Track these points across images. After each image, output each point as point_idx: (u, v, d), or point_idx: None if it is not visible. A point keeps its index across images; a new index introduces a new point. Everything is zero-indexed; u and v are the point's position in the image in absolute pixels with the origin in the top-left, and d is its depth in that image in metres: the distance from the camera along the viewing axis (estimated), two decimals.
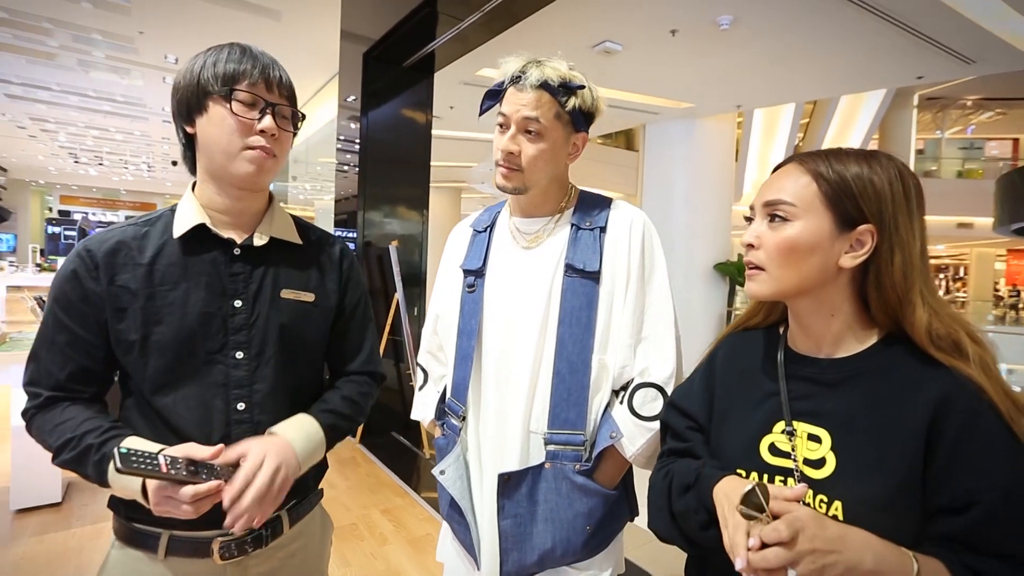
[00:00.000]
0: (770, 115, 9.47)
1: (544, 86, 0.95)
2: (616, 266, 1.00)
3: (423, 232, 4.15)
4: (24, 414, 0.84)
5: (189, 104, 0.83)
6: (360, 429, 3.83)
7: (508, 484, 0.96)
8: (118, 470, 0.66)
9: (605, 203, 1.05)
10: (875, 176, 0.67)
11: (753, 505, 0.59)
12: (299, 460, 0.84)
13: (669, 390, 0.96)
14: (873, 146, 12.54)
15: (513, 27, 3.52)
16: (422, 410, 1.19)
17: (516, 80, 0.96)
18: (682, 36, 4.13)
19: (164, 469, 0.69)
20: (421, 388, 1.22)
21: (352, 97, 4.04)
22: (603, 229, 1.01)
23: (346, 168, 4.27)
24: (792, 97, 5.95)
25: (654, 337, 0.99)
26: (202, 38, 4.53)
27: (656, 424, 0.94)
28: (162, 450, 0.75)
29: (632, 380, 0.98)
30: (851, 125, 11.05)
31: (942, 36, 4.00)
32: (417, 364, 1.24)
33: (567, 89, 0.96)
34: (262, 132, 0.83)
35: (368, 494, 3.05)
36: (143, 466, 0.67)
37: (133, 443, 0.76)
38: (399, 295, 3.59)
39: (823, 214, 0.67)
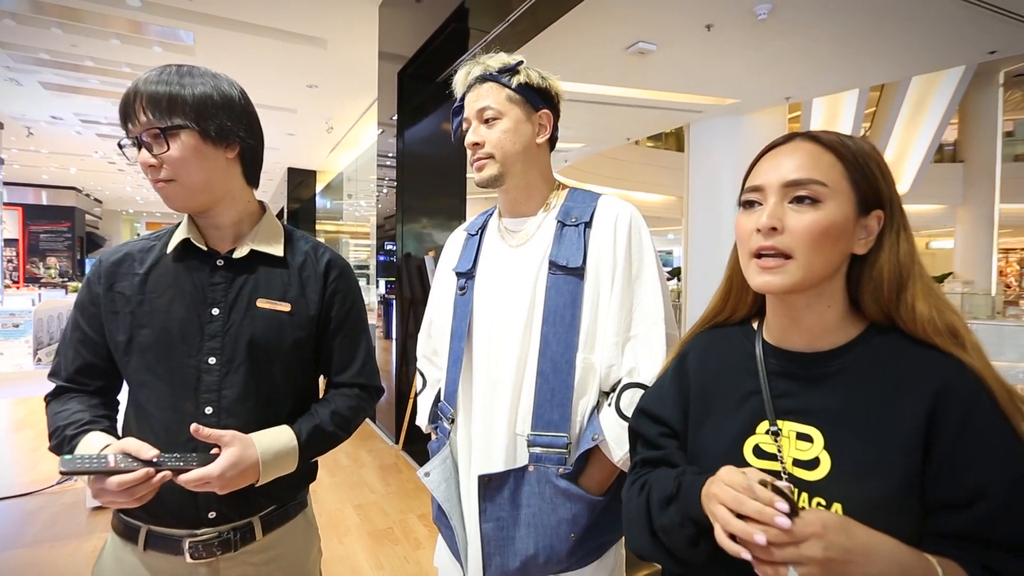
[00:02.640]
0: (831, 105, 8.94)
1: (486, 78, 1.00)
2: (601, 262, 0.97)
3: None
4: (45, 398, 0.94)
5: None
6: (403, 436, 3.93)
7: (489, 486, 0.94)
8: (61, 472, 0.71)
9: (592, 198, 1.03)
10: (877, 158, 0.64)
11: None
12: (260, 472, 0.85)
13: None
14: (952, 131, 11.54)
15: (543, 34, 3.54)
16: (421, 414, 1.19)
17: (468, 89, 1.03)
18: (718, 30, 4.00)
19: (112, 464, 0.73)
20: (420, 393, 1.22)
21: (390, 115, 4.21)
22: (588, 224, 0.99)
23: (392, 183, 4.43)
24: (846, 84, 5.59)
25: (643, 335, 0.95)
26: (258, 70, 4.88)
27: None
28: (106, 446, 0.79)
29: (620, 380, 0.95)
30: (924, 110, 10.21)
31: (1015, 4, 3.65)
32: (417, 369, 1.25)
33: (507, 71, 1.00)
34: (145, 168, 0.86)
35: (407, 499, 3.11)
36: (88, 464, 0.73)
37: (93, 440, 0.82)
38: None
39: (849, 196, 0.62)
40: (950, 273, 10.89)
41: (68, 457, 0.73)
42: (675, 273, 12.51)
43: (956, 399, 0.58)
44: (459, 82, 1.04)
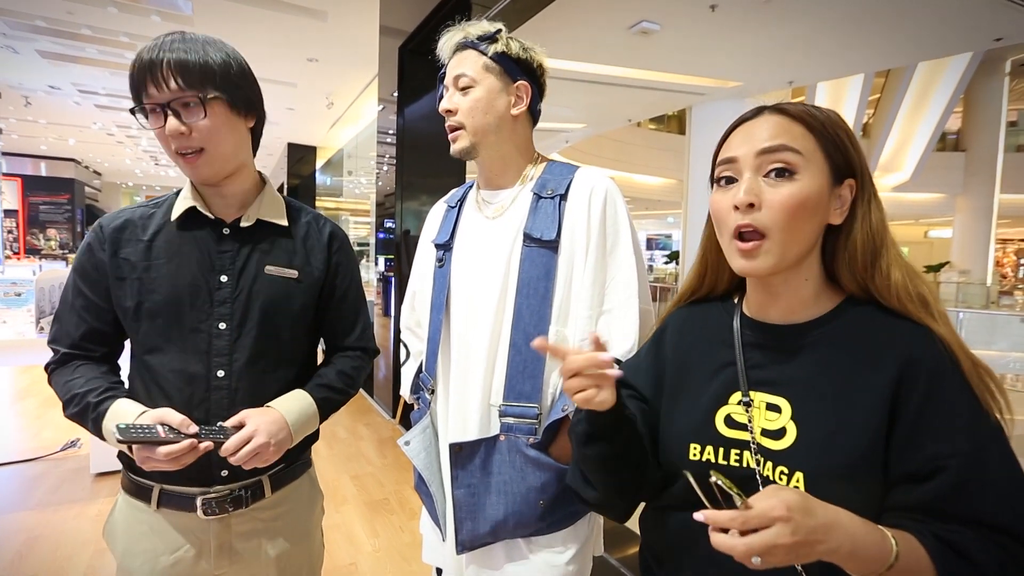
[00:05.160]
0: (835, 91, 8.88)
1: (466, 45, 0.99)
2: (575, 235, 0.96)
3: None
4: (46, 367, 0.94)
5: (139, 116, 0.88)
6: (399, 411, 3.99)
7: (460, 455, 0.96)
8: (119, 440, 0.76)
9: (570, 171, 1.02)
10: (844, 125, 0.64)
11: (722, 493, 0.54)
12: (291, 432, 0.91)
13: None
14: (956, 120, 11.46)
15: (545, 11, 3.51)
16: (404, 385, 1.21)
17: (451, 56, 1.01)
18: (722, 11, 3.96)
19: (162, 435, 0.78)
20: (404, 364, 1.24)
21: (391, 91, 4.18)
22: (563, 197, 0.97)
23: (392, 161, 4.42)
24: (850, 70, 5.56)
25: (616, 310, 0.95)
26: (257, 42, 4.82)
27: None
28: (142, 413, 0.83)
29: None
30: (928, 97, 10.15)
31: None
32: (400, 341, 1.26)
33: (486, 38, 0.98)
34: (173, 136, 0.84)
35: (402, 471, 3.18)
36: (141, 433, 0.77)
37: (122, 410, 0.85)
38: None
39: (823, 166, 0.61)
40: (947, 262, 10.94)
41: (123, 426, 0.77)
42: (674, 256, 12.52)
43: (922, 370, 0.58)
44: (442, 49, 1.03)
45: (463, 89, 0.98)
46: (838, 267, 0.65)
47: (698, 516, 0.52)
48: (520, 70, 1.00)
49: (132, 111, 0.87)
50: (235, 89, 0.88)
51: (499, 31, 0.98)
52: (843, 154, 0.62)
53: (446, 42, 1.02)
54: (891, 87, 10.05)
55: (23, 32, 4.74)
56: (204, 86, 0.84)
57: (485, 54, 0.98)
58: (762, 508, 0.50)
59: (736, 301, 0.75)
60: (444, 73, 1.04)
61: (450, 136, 1.01)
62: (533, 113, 1.04)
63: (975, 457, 0.55)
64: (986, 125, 10.91)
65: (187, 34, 0.86)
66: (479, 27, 0.99)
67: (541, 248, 0.96)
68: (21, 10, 4.25)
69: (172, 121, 0.83)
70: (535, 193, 1.00)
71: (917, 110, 10.27)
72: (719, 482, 0.53)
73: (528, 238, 0.97)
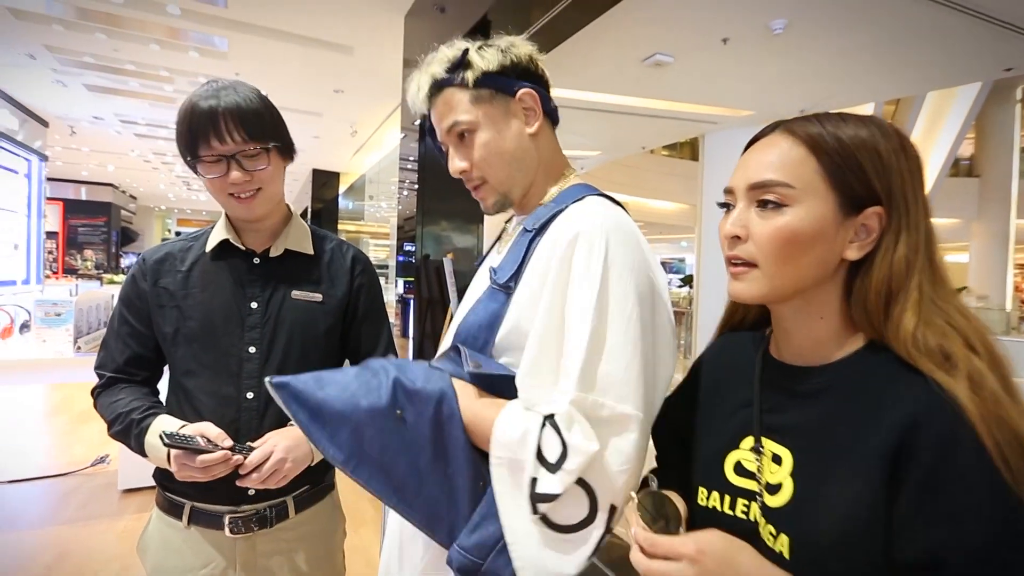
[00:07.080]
0: None
1: (440, 86, 0.79)
2: (532, 284, 0.74)
3: (478, 245, 4.35)
4: (92, 392, 1.02)
5: (188, 165, 0.96)
6: None
7: None
8: (165, 444, 0.82)
9: (571, 197, 0.79)
10: (880, 144, 0.54)
11: (652, 508, 0.55)
12: (312, 450, 0.94)
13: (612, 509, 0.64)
14: (968, 147, 11.48)
15: (562, 45, 3.66)
16: None
17: (430, 105, 0.82)
18: (734, 44, 4.09)
19: (203, 444, 0.85)
20: None
21: (413, 120, 4.34)
22: (540, 231, 0.77)
23: (413, 186, 4.57)
24: (861, 98, 5.65)
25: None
26: (287, 75, 5.05)
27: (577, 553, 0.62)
28: (183, 426, 0.90)
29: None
30: (939, 124, 10.19)
31: None
32: None
33: (456, 66, 0.77)
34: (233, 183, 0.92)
35: None
36: (184, 441, 0.84)
37: (165, 423, 0.92)
38: (452, 305, 3.77)
39: (826, 195, 0.54)
40: (964, 287, 10.82)
41: (169, 432, 0.84)
42: (687, 280, 12.55)
43: (926, 438, 0.48)
44: (414, 101, 0.82)
45: (462, 136, 0.80)
46: (853, 306, 0.56)
47: (634, 531, 0.55)
48: (514, 77, 0.79)
49: (191, 164, 0.93)
50: (283, 137, 0.97)
51: (465, 51, 0.78)
52: (861, 180, 0.54)
53: (416, 92, 0.81)
54: (902, 114, 10.12)
55: (72, 68, 5.04)
56: (264, 137, 0.92)
57: (467, 86, 0.78)
58: (676, 542, 0.51)
59: (767, 334, 0.68)
60: (430, 126, 0.84)
61: (474, 195, 0.84)
62: (549, 113, 0.84)
63: (988, 557, 0.45)
64: (999, 151, 10.91)
65: (230, 82, 0.93)
66: (442, 57, 0.79)
67: (498, 291, 0.78)
68: (71, 48, 4.53)
69: (236, 172, 0.91)
70: (523, 226, 0.81)
71: (928, 137, 10.31)
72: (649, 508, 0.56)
73: (490, 276, 0.80)
